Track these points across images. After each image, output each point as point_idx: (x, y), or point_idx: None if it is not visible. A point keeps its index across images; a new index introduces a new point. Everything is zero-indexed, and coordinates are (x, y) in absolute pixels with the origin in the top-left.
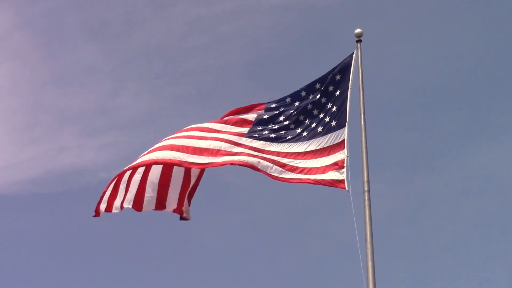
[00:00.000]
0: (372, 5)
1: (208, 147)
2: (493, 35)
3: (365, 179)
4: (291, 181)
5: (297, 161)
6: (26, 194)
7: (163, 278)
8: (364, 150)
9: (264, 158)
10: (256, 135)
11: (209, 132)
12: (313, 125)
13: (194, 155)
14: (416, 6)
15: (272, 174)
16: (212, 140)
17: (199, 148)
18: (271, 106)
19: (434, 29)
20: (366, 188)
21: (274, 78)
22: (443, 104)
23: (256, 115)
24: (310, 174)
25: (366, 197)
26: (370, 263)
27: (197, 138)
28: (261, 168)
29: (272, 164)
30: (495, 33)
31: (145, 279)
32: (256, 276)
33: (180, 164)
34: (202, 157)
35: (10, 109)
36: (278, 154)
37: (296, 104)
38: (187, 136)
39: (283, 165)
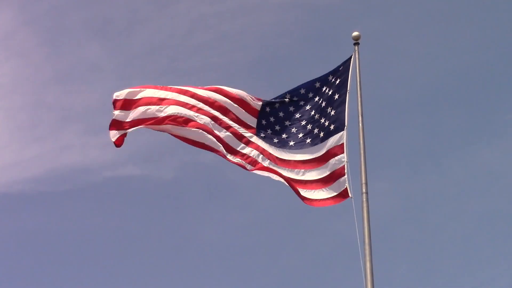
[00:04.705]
0: (377, 2)
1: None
2: (496, 34)
3: (363, 181)
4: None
5: (302, 171)
6: (30, 192)
7: (165, 276)
8: (362, 152)
9: (277, 173)
10: (263, 135)
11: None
12: (315, 130)
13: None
14: (418, 6)
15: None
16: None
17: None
18: (270, 101)
19: (436, 27)
20: (364, 190)
21: (278, 76)
22: (448, 102)
23: (259, 107)
24: (315, 188)
25: (364, 199)
26: (368, 264)
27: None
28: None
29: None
30: (498, 32)
31: (147, 277)
32: (256, 274)
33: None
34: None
35: (13, 107)
36: (288, 164)
37: (298, 102)
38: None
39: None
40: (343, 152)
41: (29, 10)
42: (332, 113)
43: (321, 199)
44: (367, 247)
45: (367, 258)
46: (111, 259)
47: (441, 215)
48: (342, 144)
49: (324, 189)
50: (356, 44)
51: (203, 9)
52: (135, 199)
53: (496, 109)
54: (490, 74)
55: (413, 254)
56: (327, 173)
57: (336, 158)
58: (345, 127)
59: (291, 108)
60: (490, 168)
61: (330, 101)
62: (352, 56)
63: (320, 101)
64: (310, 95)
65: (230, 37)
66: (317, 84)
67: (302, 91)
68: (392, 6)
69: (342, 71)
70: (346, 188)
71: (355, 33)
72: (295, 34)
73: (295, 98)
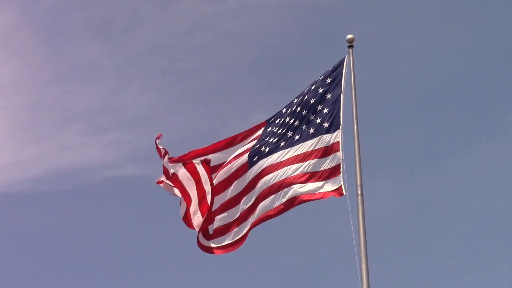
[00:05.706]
0: (377, 2)
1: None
2: (496, 34)
3: (358, 183)
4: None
5: (291, 167)
6: (30, 192)
7: (165, 276)
8: (357, 154)
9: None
10: (255, 158)
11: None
12: (304, 126)
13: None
14: (418, 6)
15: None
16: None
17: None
18: (271, 121)
19: (436, 27)
20: (359, 192)
21: (278, 76)
22: (448, 102)
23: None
24: (307, 183)
25: (360, 201)
26: (364, 266)
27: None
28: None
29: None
30: (498, 32)
31: (147, 277)
32: (255, 274)
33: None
34: None
35: (13, 107)
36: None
37: (289, 111)
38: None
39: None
40: (338, 150)
41: (29, 10)
42: (325, 111)
43: (312, 191)
44: (362, 248)
45: (363, 259)
46: (111, 259)
47: (441, 215)
48: (338, 142)
49: (318, 182)
50: (350, 47)
51: (203, 9)
52: (135, 199)
53: (496, 109)
54: (490, 74)
55: (412, 254)
56: (325, 167)
57: (334, 154)
58: (341, 126)
59: (287, 119)
60: (490, 168)
61: (321, 99)
62: (346, 59)
63: (310, 100)
64: (303, 100)
65: (230, 37)
66: (307, 89)
67: (296, 100)
68: (392, 6)
69: (335, 73)
70: (341, 186)
71: (349, 36)
72: (295, 34)
73: (289, 110)
